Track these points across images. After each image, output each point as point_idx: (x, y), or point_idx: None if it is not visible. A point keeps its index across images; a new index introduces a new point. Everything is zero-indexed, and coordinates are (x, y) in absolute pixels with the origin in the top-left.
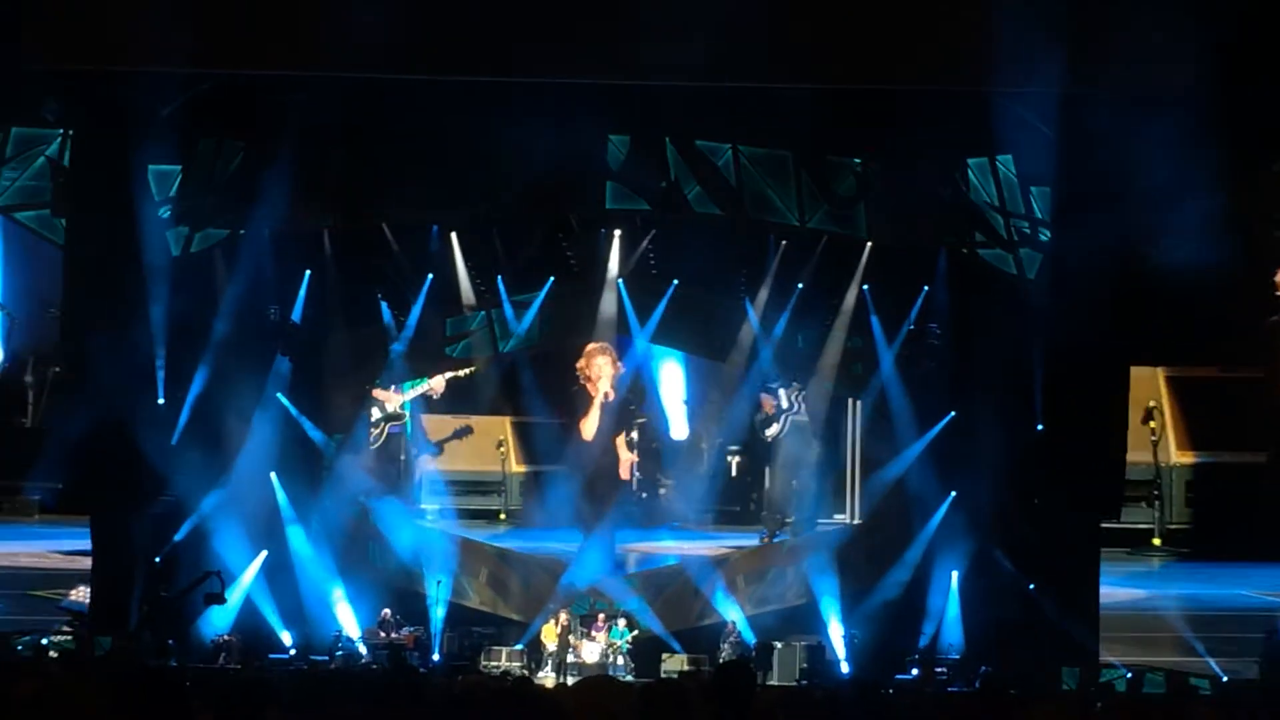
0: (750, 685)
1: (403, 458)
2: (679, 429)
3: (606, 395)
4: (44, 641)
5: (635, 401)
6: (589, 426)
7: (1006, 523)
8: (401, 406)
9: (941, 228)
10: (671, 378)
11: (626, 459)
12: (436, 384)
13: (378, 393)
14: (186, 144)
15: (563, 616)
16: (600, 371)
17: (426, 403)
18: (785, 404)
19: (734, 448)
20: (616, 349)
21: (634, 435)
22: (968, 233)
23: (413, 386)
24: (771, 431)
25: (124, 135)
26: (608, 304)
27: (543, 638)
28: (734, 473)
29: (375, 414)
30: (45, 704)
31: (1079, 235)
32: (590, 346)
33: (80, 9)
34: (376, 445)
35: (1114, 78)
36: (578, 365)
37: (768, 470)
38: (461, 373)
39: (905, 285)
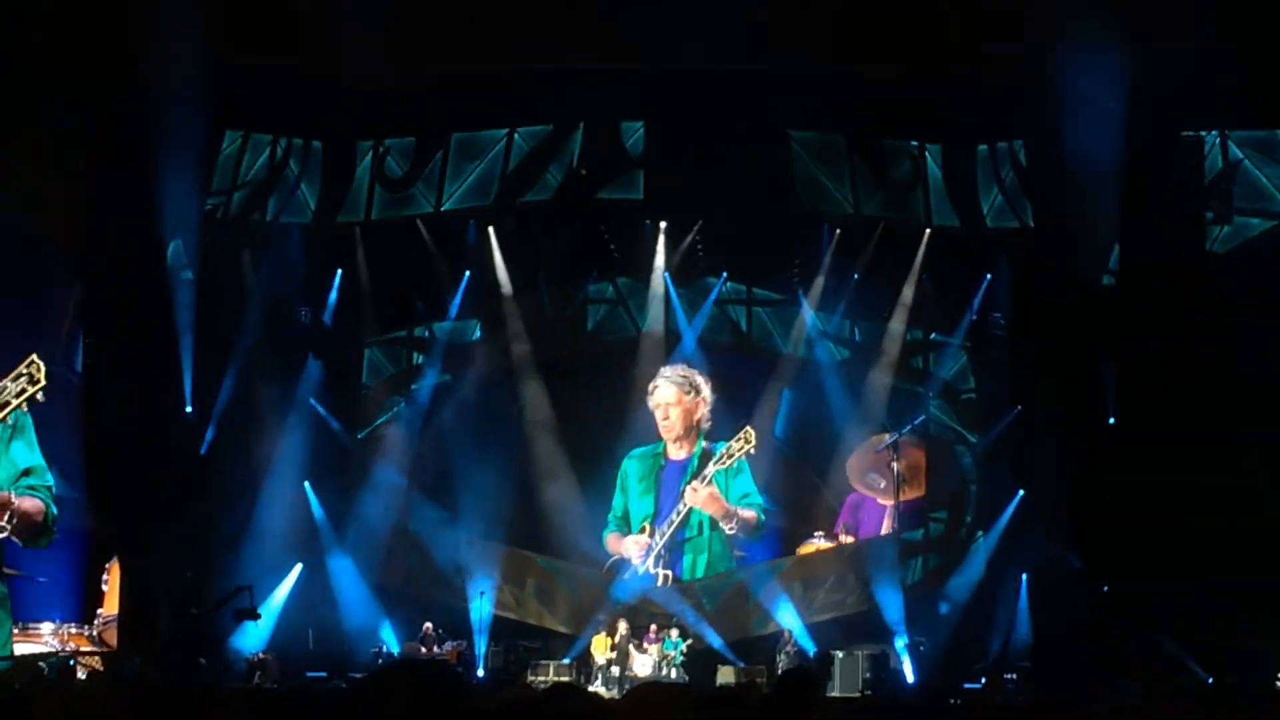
0: (814, 694)
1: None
2: None
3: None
4: (71, 662)
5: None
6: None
7: (1078, 523)
8: None
9: (1003, 212)
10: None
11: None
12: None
13: None
14: (211, 140)
15: (621, 627)
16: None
17: None
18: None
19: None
20: (664, 343)
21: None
22: (1031, 216)
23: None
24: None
25: (144, 133)
26: (654, 298)
27: (593, 650)
28: None
29: None
30: None
31: (1152, 215)
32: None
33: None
34: None
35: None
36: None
37: None
38: None
39: (967, 273)
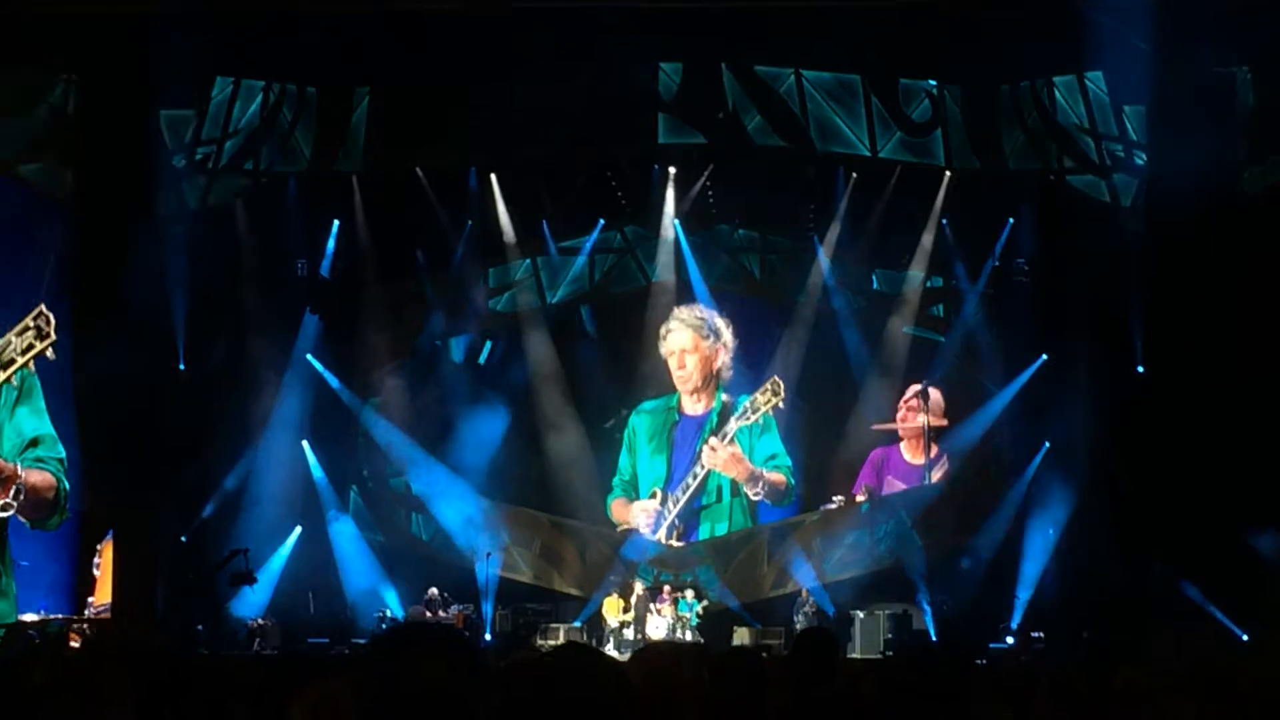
0: (832, 653)
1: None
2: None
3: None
4: (64, 630)
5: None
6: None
7: (1106, 474)
8: None
9: (1026, 154)
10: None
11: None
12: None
13: None
14: (202, 86)
15: (637, 588)
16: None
17: None
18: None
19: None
20: (674, 292)
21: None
22: (1055, 158)
23: None
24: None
25: (134, 79)
26: (664, 247)
27: (604, 612)
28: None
29: None
30: (64, 696)
31: (1179, 158)
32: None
33: None
34: None
35: None
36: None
37: None
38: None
39: (988, 218)
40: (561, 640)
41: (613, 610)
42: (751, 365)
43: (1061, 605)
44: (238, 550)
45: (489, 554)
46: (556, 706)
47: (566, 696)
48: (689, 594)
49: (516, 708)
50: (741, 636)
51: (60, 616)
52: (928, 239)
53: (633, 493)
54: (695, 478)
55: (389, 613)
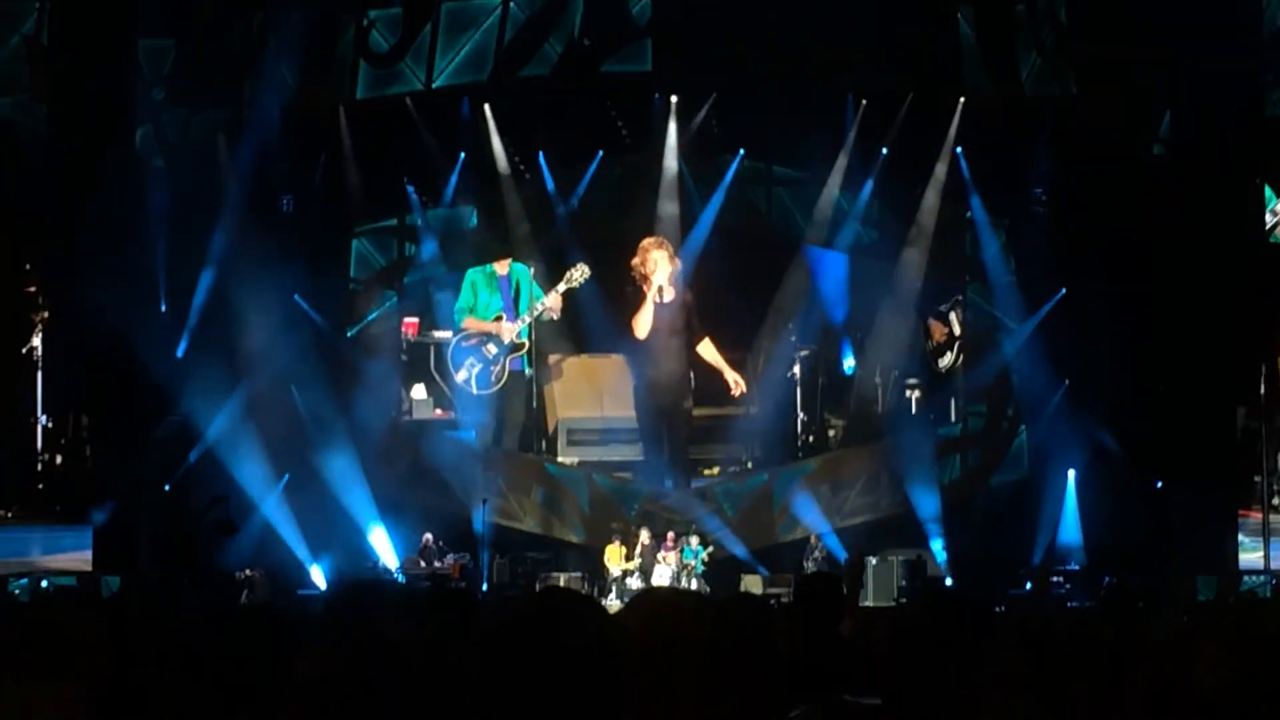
0: (836, 599)
1: (532, 403)
2: (849, 361)
3: (660, 291)
4: (44, 583)
5: (690, 298)
6: (640, 324)
7: (1129, 415)
8: (519, 335)
9: (1045, 76)
10: (838, 295)
11: (731, 375)
12: (553, 302)
13: (486, 324)
14: (181, 13)
15: (643, 536)
16: (655, 265)
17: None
18: (957, 330)
19: (912, 381)
20: (678, 226)
21: (795, 370)
22: (1074, 82)
23: (528, 309)
24: (944, 362)
25: (111, 6)
26: (666, 179)
27: (606, 560)
28: (914, 410)
29: (492, 349)
30: (45, 651)
31: (1206, 78)
32: (646, 241)
33: None
34: (498, 387)
35: None
36: (632, 263)
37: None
38: (575, 278)
39: (1005, 146)
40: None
41: (614, 558)
42: (757, 299)
43: (1083, 549)
44: (218, 498)
45: (485, 500)
46: (535, 656)
47: (546, 644)
48: (694, 540)
49: (498, 660)
50: (749, 584)
51: (40, 569)
52: (941, 169)
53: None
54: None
55: (380, 563)
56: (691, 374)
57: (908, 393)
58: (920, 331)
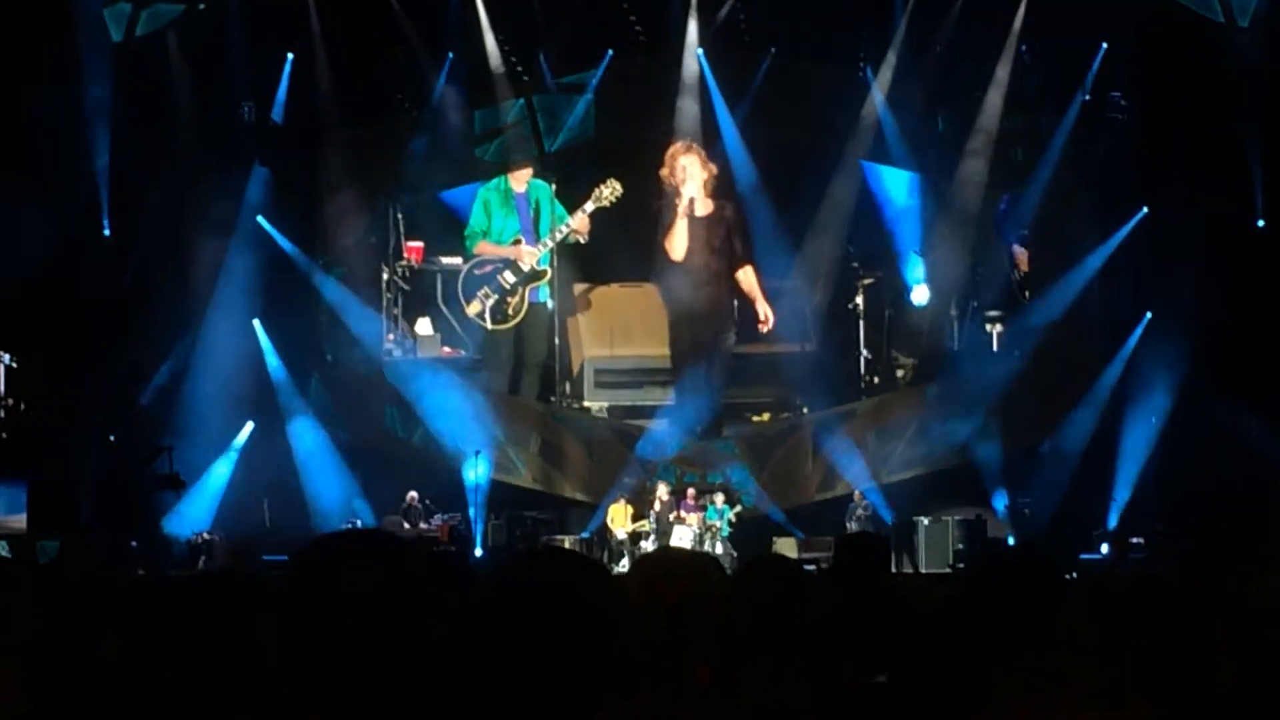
0: (882, 562)
1: (554, 339)
2: (918, 290)
3: (692, 203)
4: None
5: (730, 211)
6: (675, 243)
7: (1222, 350)
8: (539, 261)
9: None
10: (904, 218)
11: (762, 307)
12: (579, 223)
13: (502, 249)
14: None
15: (661, 491)
16: (685, 174)
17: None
18: None
19: (994, 313)
20: (700, 137)
21: (858, 301)
22: None
23: (550, 231)
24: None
25: None
26: (686, 82)
27: (609, 522)
28: (995, 346)
29: (509, 278)
30: None
31: None
32: (673, 147)
33: None
34: (515, 322)
35: None
36: (660, 174)
37: None
38: (605, 196)
39: (1077, 42)
40: None
41: (620, 519)
42: (791, 221)
43: (1167, 506)
44: (160, 448)
45: (478, 452)
46: (523, 624)
47: (536, 611)
48: (719, 498)
49: (485, 629)
50: (783, 548)
51: None
52: (1003, 69)
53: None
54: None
55: (360, 523)
56: (735, 303)
57: (988, 326)
58: (1005, 258)
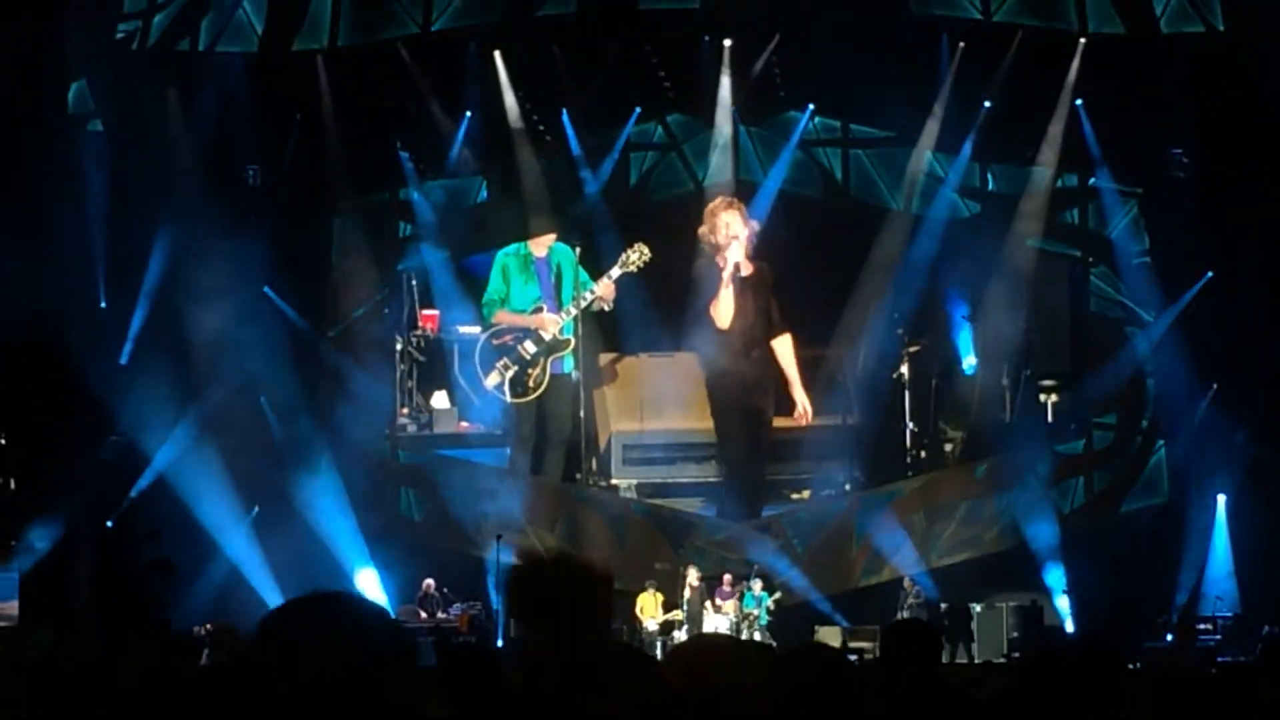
0: (933, 652)
1: (579, 412)
2: (968, 359)
3: (738, 268)
4: None
5: (768, 273)
6: (721, 311)
7: None
8: (562, 330)
9: (1183, 12)
10: (952, 283)
11: (800, 397)
12: (605, 290)
13: (522, 318)
14: None
15: (691, 576)
16: (728, 232)
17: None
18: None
19: (1048, 383)
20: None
21: (903, 370)
22: (1222, 17)
23: (574, 298)
24: None
25: None
26: (718, 141)
27: (639, 612)
28: (1051, 417)
29: (529, 348)
30: None
31: None
32: (713, 203)
33: None
34: (537, 394)
35: None
36: (699, 231)
37: None
38: (633, 260)
39: (1136, 97)
40: None
41: (650, 608)
42: (830, 285)
43: (1237, 590)
44: (149, 533)
45: (499, 536)
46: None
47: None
48: (756, 584)
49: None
50: (826, 637)
51: None
52: (1057, 126)
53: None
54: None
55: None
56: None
57: (1042, 396)
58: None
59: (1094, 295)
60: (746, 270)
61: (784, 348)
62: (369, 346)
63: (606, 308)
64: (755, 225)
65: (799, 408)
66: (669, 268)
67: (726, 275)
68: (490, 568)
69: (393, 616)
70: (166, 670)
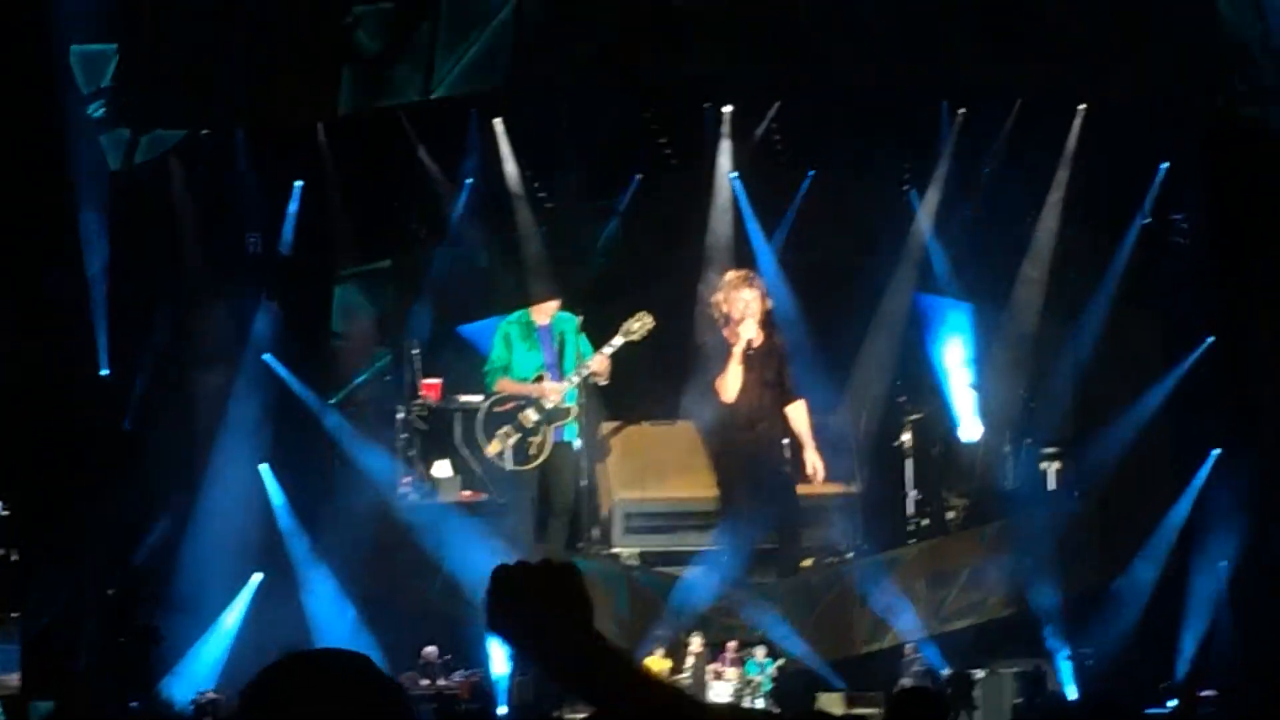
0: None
1: (581, 481)
2: (969, 426)
3: (750, 344)
4: None
5: (780, 341)
6: (729, 385)
7: None
8: (565, 398)
9: (1187, 76)
10: (954, 348)
11: (811, 457)
12: (599, 364)
13: (524, 386)
14: (124, 12)
15: (694, 644)
16: (746, 311)
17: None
18: None
19: (1050, 450)
20: (734, 263)
21: (905, 438)
22: (1223, 82)
23: (576, 367)
24: None
25: (38, 5)
26: (718, 205)
27: None
28: (1052, 484)
29: (532, 416)
30: None
31: None
32: (730, 275)
33: None
34: (539, 462)
35: None
36: (713, 300)
37: None
38: (635, 331)
39: (1138, 161)
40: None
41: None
42: (833, 351)
43: (1239, 657)
44: (123, 593)
45: None
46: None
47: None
48: (759, 651)
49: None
50: (828, 703)
51: None
52: (1058, 191)
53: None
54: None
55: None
56: (786, 439)
57: (1042, 464)
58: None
59: (1095, 359)
60: (759, 340)
61: (797, 413)
62: (370, 414)
63: (602, 382)
64: (770, 303)
65: (809, 467)
66: (671, 333)
67: (738, 351)
68: (492, 635)
69: (375, 663)
70: None
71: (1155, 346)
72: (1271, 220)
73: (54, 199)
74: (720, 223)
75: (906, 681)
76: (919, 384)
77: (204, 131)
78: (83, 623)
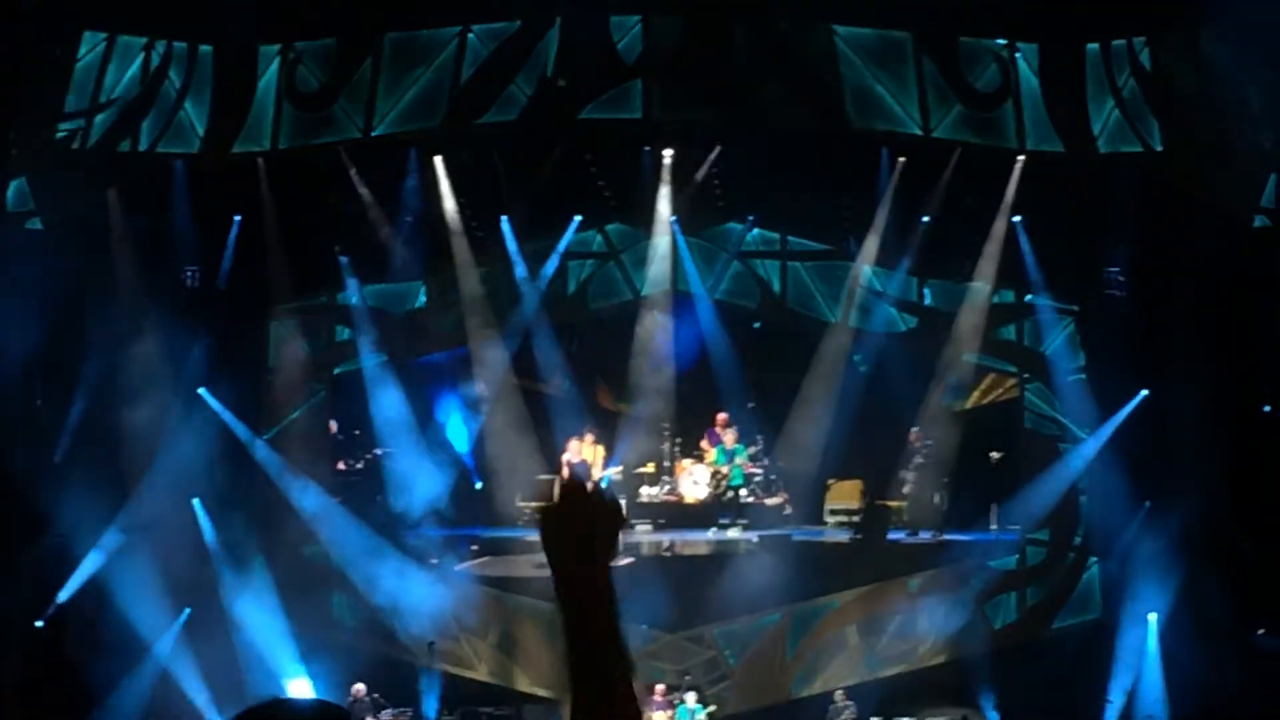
0: None
1: None
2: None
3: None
4: None
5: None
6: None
7: (1223, 543)
8: None
9: (1121, 132)
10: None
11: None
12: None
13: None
14: (65, 44)
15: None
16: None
17: None
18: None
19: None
20: (671, 307)
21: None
22: (1160, 138)
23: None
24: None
25: None
26: (658, 252)
27: None
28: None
29: None
30: None
31: None
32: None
33: None
34: None
35: None
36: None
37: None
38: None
39: (1074, 214)
40: None
41: None
42: (768, 402)
43: (1166, 707)
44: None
45: (431, 643)
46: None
47: None
48: (690, 697)
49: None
50: None
51: None
52: (995, 242)
53: None
54: None
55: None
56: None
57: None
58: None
59: (1029, 411)
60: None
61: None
62: (304, 449)
63: None
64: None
65: None
66: (598, 377)
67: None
68: (422, 673)
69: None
70: None
71: (1088, 399)
72: (1200, 277)
73: None
74: (657, 265)
75: None
76: (855, 431)
77: (144, 164)
78: (7, 655)
